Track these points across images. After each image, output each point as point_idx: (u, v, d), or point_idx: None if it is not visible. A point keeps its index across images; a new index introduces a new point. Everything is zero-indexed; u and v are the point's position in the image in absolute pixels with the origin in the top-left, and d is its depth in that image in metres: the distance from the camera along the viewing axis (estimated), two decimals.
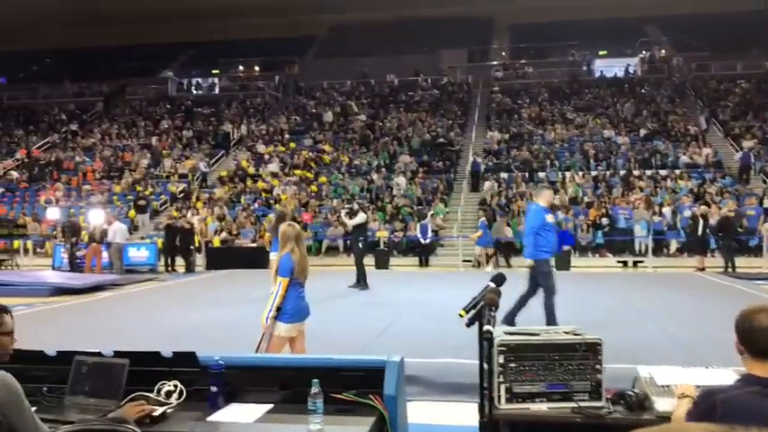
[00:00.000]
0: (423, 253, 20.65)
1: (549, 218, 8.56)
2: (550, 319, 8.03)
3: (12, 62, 42.73)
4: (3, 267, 20.29)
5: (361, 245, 14.57)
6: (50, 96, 38.31)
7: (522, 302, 8.25)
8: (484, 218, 19.96)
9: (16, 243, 21.51)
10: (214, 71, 40.57)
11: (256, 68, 41.14)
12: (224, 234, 21.83)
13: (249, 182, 26.02)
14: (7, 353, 2.74)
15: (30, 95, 38.66)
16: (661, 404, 2.96)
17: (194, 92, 38.54)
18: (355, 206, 16.31)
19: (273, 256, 14.28)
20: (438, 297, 13.02)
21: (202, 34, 40.62)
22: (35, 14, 38.80)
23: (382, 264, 19.77)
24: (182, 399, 3.14)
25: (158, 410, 3.00)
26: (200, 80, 39.61)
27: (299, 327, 5.66)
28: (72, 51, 41.97)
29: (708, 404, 2.44)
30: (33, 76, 41.77)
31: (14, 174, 28.79)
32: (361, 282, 14.27)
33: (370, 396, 3.03)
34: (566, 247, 17.69)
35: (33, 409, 2.68)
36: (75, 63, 41.01)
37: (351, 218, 14.97)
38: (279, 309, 5.50)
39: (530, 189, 21.19)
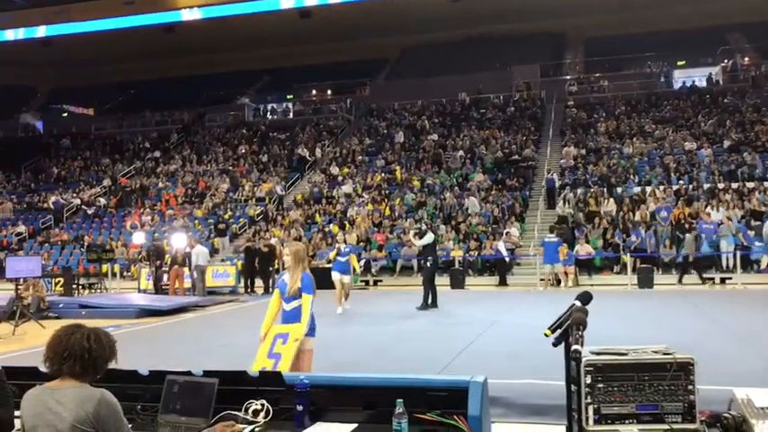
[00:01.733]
0: (499, 271, 20.38)
1: None
2: None
3: (98, 94, 45.01)
4: (92, 290, 21.20)
5: (429, 264, 14.54)
6: (134, 126, 40.05)
7: None
8: (553, 234, 19.52)
9: (104, 267, 22.44)
10: (288, 96, 41.51)
11: (329, 92, 41.87)
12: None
13: (324, 203, 26.43)
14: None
15: (115, 125, 40.52)
16: (761, 427, 2.83)
17: (270, 117, 39.51)
18: (423, 226, 16.32)
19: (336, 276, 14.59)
20: (516, 316, 12.84)
21: (277, 61, 41.66)
22: (120, 49, 40.71)
23: (458, 283, 19.64)
24: (268, 417, 3.20)
25: (246, 429, 3.07)
26: (275, 105, 40.60)
27: None
28: (154, 82, 43.81)
29: None
30: (119, 107, 43.80)
31: (102, 200, 30.12)
32: (430, 302, 14.22)
33: (455, 417, 3.00)
34: None
35: (129, 426, 2.79)
36: (156, 93, 42.79)
37: (419, 238, 14.99)
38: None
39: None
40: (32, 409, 2.70)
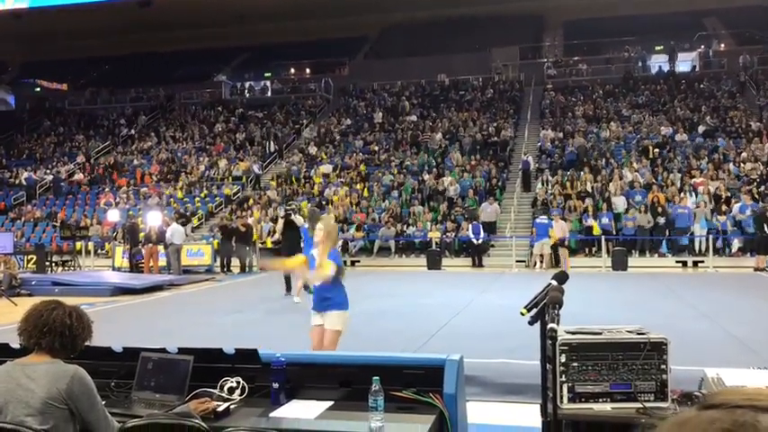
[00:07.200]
0: (475, 253, 20.49)
1: None
2: None
3: (72, 69, 44.17)
4: (66, 268, 20.96)
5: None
6: (109, 102, 39.44)
7: None
8: (544, 216, 19.61)
9: (78, 245, 22.17)
10: (266, 74, 41.08)
11: (307, 70, 41.52)
12: (277, 236, 22.04)
13: (302, 183, 26.28)
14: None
15: (90, 101, 39.86)
16: None
17: (247, 95, 39.10)
18: (296, 207, 16.05)
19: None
20: (492, 297, 12.93)
21: (255, 37, 41.13)
22: (93, 23, 39.91)
23: (434, 264, 19.71)
24: (244, 395, 3.19)
25: (222, 406, 3.06)
26: (252, 83, 40.17)
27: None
28: (129, 57, 43.10)
29: None
30: (93, 83, 43.05)
31: (78, 176, 29.68)
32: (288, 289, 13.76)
33: (430, 394, 3.02)
34: None
35: (103, 403, 2.76)
36: (132, 69, 42.12)
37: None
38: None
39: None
40: (2, 384, 2.66)
